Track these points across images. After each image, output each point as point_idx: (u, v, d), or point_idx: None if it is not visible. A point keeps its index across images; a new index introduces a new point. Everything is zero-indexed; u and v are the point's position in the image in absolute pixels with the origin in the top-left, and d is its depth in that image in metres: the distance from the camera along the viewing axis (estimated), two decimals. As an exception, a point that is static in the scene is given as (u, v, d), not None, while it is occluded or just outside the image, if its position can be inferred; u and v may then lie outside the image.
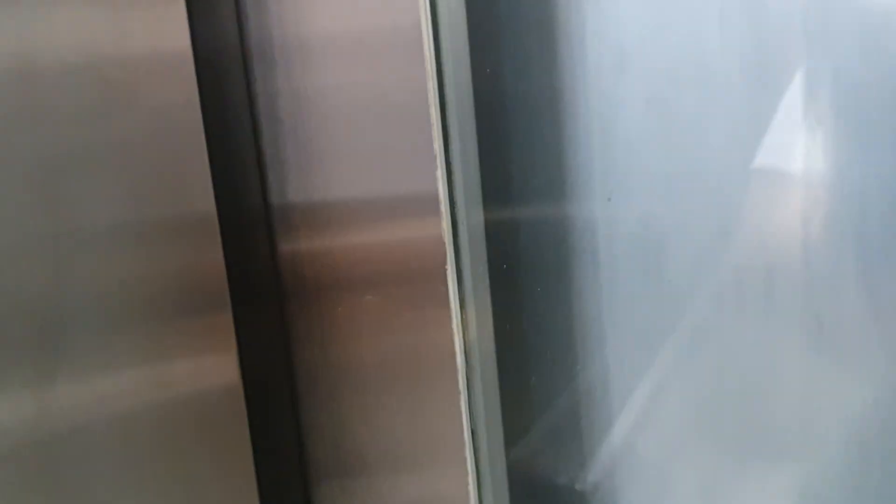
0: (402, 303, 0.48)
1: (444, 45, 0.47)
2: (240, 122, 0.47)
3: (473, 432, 0.48)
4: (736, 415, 0.73)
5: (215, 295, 0.46)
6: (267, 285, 0.49)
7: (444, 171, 0.47)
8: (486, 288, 0.51)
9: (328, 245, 0.49)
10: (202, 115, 0.45)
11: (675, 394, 0.77)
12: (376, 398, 0.49)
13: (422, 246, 0.48)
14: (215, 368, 0.46)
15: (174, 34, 0.44)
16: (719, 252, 0.61)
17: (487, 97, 0.55)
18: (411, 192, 0.48)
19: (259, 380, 0.48)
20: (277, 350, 0.49)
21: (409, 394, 0.49)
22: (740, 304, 0.64)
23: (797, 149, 0.59)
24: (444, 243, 0.47)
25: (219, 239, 0.45)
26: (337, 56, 0.48)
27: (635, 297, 0.64)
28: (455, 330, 0.48)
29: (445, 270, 0.47)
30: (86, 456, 0.43)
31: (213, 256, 0.45)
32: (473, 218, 0.50)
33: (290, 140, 0.48)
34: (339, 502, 0.49)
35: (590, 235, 0.60)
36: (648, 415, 0.79)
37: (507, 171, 0.58)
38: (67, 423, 0.43)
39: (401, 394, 0.49)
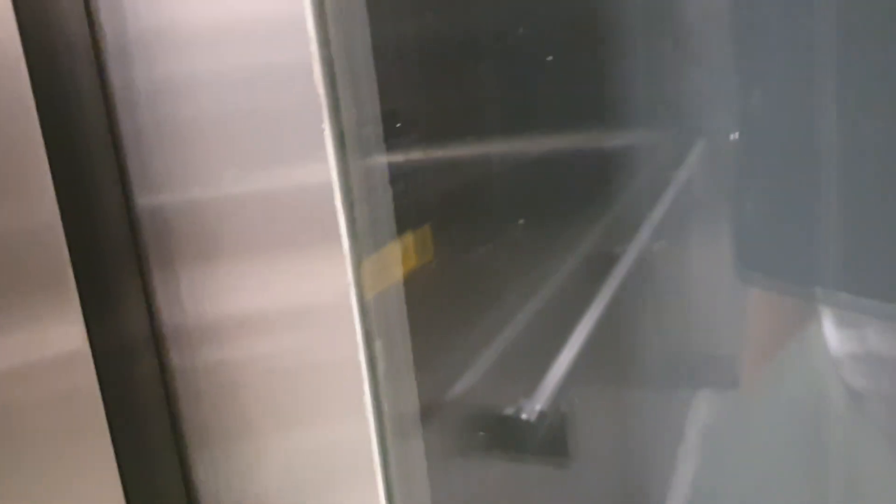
0: (289, 257, 0.44)
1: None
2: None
3: (376, 384, 0.45)
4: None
5: (56, 262, 0.41)
6: (122, 247, 0.45)
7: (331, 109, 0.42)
8: (389, 230, 0.47)
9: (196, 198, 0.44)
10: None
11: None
12: (263, 359, 0.46)
13: (308, 192, 0.43)
14: (60, 337, 0.42)
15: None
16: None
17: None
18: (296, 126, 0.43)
19: (116, 345, 0.44)
20: (137, 312, 0.45)
21: (302, 351, 0.45)
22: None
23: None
24: (331, 187, 0.43)
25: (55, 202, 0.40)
26: None
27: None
28: (350, 278, 0.43)
29: (336, 215, 0.43)
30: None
31: (50, 219, 0.41)
32: (370, 159, 0.45)
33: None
34: (219, 464, 0.46)
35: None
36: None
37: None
38: None
39: (293, 351, 0.45)
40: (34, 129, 0.41)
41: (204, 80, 0.43)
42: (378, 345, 0.46)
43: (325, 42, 0.43)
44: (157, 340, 0.48)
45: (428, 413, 0.92)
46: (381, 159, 0.47)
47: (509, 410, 0.98)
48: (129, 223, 0.46)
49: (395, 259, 0.52)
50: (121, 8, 0.43)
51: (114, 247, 0.46)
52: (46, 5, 0.42)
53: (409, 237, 0.81)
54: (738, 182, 0.87)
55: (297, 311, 0.45)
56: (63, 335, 0.44)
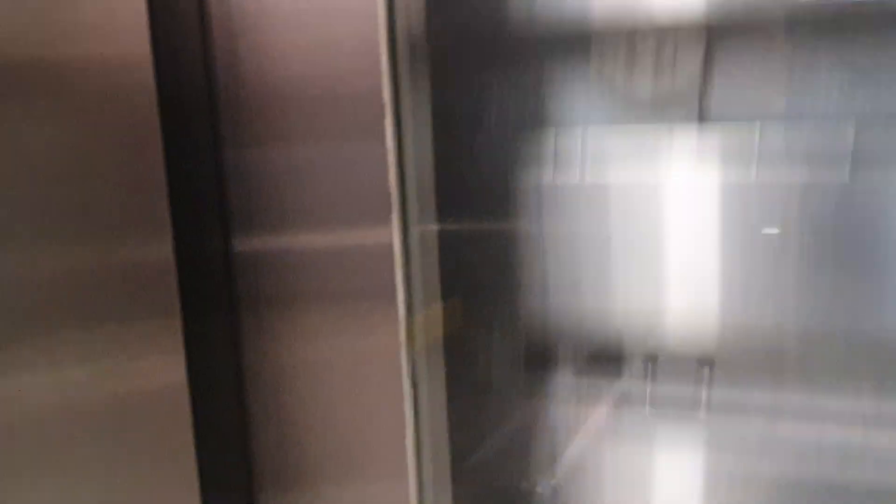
0: (349, 309, 0.49)
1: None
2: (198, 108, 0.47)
3: (417, 439, 0.48)
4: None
5: (164, 296, 0.46)
6: (218, 288, 0.49)
7: (397, 174, 0.48)
8: (436, 294, 0.51)
9: (282, 249, 0.49)
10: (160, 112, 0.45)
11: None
12: (323, 402, 0.49)
13: (371, 253, 0.48)
14: (162, 368, 0.46)
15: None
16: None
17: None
18: (362, 195, 0.48)
19: (206, 379, 0.48)
20: (226, 351, 0.49)
21: (355, 398, 0.49)
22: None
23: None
24: (392, 250, 0.48)
25: (170, 237, 0.45)
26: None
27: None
28: (402, 334, 0.48)
29: (394, 277, 0.48)
30: (32, 447, 0.43)
31: (164, 256, 0.45)
32: (425, 224, 0.50)
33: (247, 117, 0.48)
34: (282, 501, 0.50)
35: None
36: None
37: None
38: (10, 414, 0.43)
39: (347, 398, 0.49)
40: (157, 153, 0.45)
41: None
42: (422, 399, 0.50)
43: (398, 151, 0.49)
44: (239, 375, 0.51)
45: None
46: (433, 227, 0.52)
47: (525, 484, 1.00)
48: (227, 267, 0.50)
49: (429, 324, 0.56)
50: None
51: (214, 289, 0.50)
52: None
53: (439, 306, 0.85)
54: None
55: (348, 361, 0.49)
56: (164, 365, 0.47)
